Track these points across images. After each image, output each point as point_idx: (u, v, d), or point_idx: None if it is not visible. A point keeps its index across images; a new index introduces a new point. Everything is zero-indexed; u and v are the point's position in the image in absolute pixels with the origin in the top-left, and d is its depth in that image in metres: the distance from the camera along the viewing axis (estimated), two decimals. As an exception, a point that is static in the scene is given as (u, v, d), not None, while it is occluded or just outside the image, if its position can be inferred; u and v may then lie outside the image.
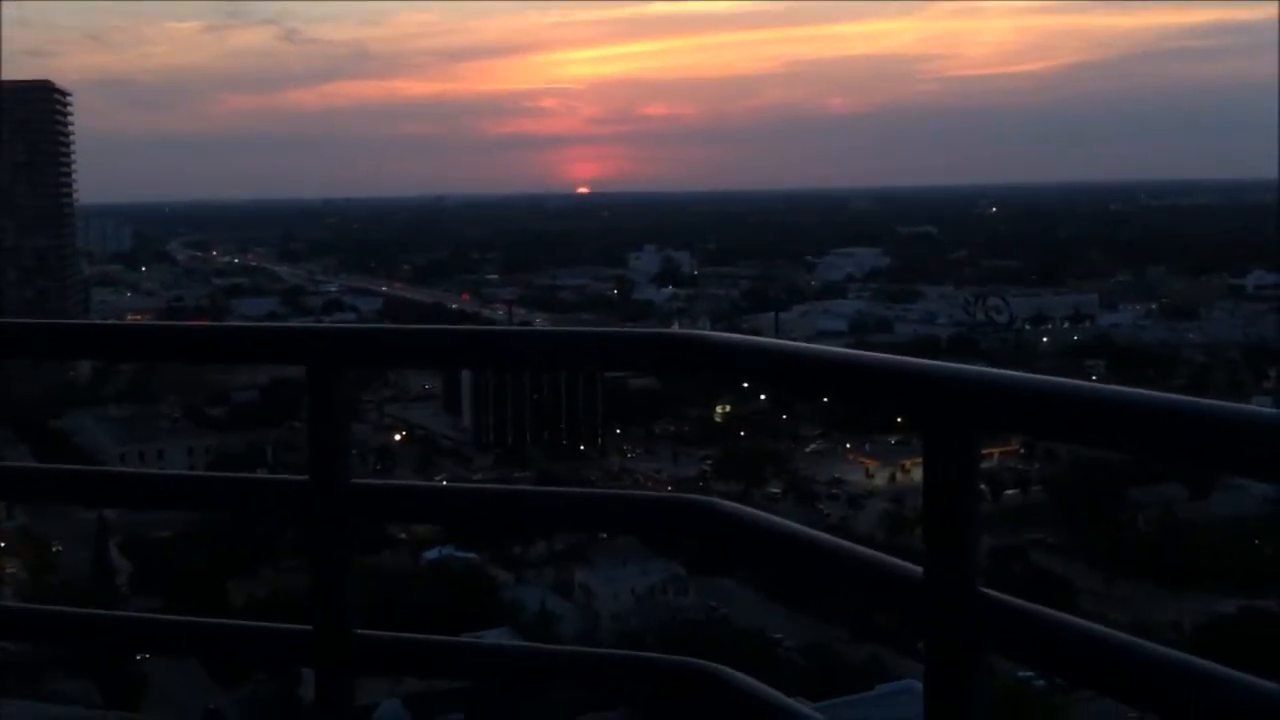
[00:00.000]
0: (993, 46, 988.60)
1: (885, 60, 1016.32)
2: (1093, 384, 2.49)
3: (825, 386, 3.20)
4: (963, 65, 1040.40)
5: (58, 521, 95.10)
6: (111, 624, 4.56)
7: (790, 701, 3.30)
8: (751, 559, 3.32)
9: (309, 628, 3.65)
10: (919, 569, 2.79)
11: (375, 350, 4.00)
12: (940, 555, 2.74)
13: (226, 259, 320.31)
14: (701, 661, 3.51)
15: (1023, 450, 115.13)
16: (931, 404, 2.73)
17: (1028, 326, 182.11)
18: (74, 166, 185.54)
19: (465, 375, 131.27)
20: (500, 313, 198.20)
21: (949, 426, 2.71)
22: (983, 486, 2.93)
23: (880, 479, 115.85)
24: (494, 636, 58.23)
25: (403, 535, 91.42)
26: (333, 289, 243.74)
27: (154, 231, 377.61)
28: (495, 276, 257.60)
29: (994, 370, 2.63)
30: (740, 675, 3.41)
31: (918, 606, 2.79)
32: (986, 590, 2.70)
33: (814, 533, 3.21)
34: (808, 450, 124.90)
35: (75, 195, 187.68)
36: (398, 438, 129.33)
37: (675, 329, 3.47)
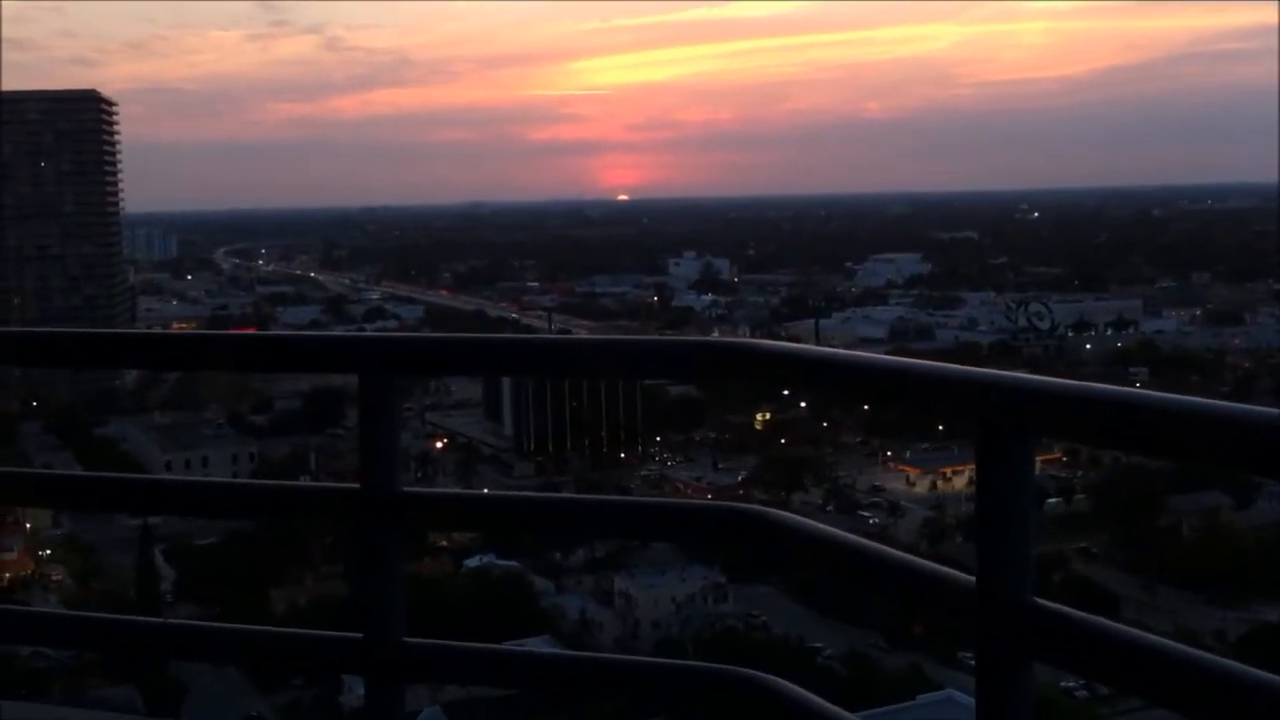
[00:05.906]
0: (1027, 50, 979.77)
1: (920, 65, 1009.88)
2: (1146, 391, 2.47)
3: (881, 395, 3.18)
4: (998, 70, 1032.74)
5: (102, 528, 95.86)
6: (163, 631, 4.58)
7: (839, 711, 3.27)
8: (802, 568, 3.31)
9: (359, 635, 3.66)
10: (971, 579, 2.76)
11: (426, 358, 4.02)
12: (993, 564, 2.71)
13: (270, 267, 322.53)
14: (747, 670, 3.48)
15: (1065, 459, 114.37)
16: (987, 411, 2.72)
17: (1070, 333, 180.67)
18: (120, 175, 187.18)
19: (506, 382, 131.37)
20: (541, 319, 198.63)
21: (1004, 434, 2.69)
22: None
23: (921, 487, 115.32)
24: (534, 644, 58.28)
25: (443, 542, 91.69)
26: (374, 296, 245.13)
27: (199, 239, 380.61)
28: (535, 284, 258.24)
29: (1049, 378, 2.62)
30: (787, 684, 3.38)
31: (970, 617, 2.77)
32: (1040, 600, 2.68)
33: (864, 541, 3.19)
34: (849, 457, 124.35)
35: (121, 204, 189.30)
36: (439, 445, 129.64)
37: (727, 338, 3.43)
